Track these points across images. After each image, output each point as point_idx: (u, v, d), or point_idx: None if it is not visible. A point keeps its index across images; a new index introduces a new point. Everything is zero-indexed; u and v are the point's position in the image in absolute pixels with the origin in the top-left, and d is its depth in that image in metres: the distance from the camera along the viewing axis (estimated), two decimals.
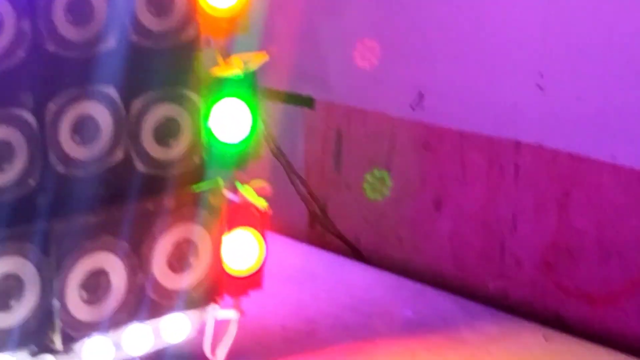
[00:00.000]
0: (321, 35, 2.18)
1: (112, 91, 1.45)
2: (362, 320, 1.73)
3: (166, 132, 1.52)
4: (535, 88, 1.82)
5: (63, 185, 1.44)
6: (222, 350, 1.60)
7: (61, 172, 1.43)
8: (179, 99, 1.53)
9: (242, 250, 1.60)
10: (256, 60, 1.56)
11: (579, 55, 1.78)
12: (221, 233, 1.57)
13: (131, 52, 1.47)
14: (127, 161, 1.49)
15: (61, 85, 1.42)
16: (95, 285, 1.46)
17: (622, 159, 1.73)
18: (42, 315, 1.43)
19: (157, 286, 1.53)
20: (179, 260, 1.54)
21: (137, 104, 1.49)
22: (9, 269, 1.39)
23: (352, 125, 2.15)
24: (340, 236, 2.19)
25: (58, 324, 1.44)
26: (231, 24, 1.55)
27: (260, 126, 1.60)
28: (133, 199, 1.50)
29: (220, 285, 1.60)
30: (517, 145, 1.87)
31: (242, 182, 1.59)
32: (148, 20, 1.48)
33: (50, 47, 1.41)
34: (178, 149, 1.54)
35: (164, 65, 1.52)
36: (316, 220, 2.24)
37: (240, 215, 1.59)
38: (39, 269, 1.41)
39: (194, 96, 1.54)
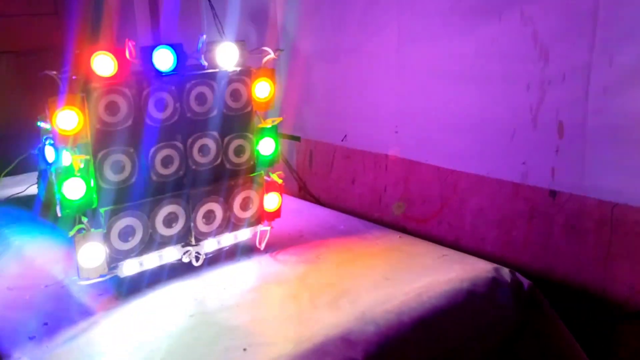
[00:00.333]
0: (304, 110, 2.14)
1: (216, 134, 1.49)
2: (321, 231, 1.73)
3: (239, 151, 1.54)
4: (394, 132, 1.83)
5: (194, 175, 1.48)
6: (263, 243, 1.59)
7: (194, 168, 1.48)
8: (245, 137, 1.55)
9: (271, 201, 1.61)
10: (277, 120, 1.58)
11: (418, 114, 1.74)
12: (263, 194, 1.59)
13: (224, 117, 1.50)
14: (221, 163, 1.52)
15: (194, 131, 1.46)
16: (209, 216, 1.50)
17: (431, 161, 1.74)
18: (186, 229, 1.47)
19: (235, 217, 1.55)
20: (244, 206, 1.56)
21: (226, 139, 1.52)
22: (172, 210, 1.43)
23: (316, 148, 2.15)
24: (312, 195, 2.20)
25: (193, 233, 1.48)
26: (266, 105, 1.56)
27: (279, 149, 1.60)
28: (224, 180, 1.52)
29: (262, 216, 1.60)
30: (387, 156, 1.88)
31: (272, 172, 1.61)
32: (231, 103, 1.51)
33: (188, 114, 1.45)
34: (244, 158, 1.56)
35: (238, 123, 1.53)
36: (301, 189, 2.24)
37: (271, 186, 1.60)
38: (184, 209, 1.46)
39: (250, 136, 1.56)
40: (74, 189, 1.28)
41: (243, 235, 1.59)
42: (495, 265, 1.45)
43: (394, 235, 1.70)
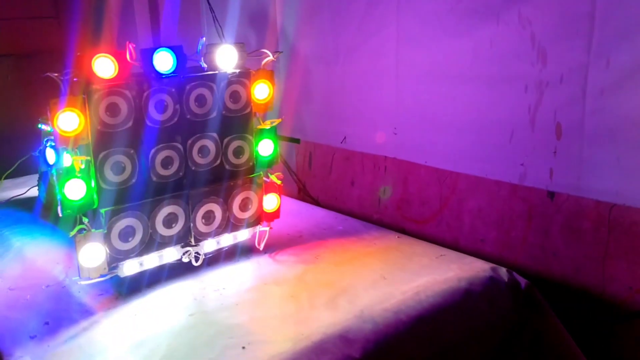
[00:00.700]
0: (303, 112, 2.16)
1: (215, 135, 1.51)
2: (320, 231, 1.75)
3: (238, 152, 1.56)
4: (393, 133, 1.84)
5: (194, 175, 1.49)
6: (262, 243, 1.61)
7: (193, 169, 1.49)
8: (244, 138, 1.56)
9: (270, 202, 1.62)
10: (276, 121, 1.59)
11: (416, 116, 1.75)
12: (262, 195, 1.60)
13: (223, 118, 1.52)
14: (221, 164, 1.54)
15: (193, 132, 1.48)
16: (208, 217, 1.51)
17: (430, 163, 1.75)
18: (185, 230, 1.48)
19: (235, 217, 1.57)
20: (244, 206, 1.58)
21: (225, 140, 1.53)
22: (172, 210, 1.45)
23: (315, 150, 2.17)
24: (311, 197, 2.22)
25: (192, 233, 1.50)
26: (265, 106, 1.58)
27: (278, 151, 1.61)
28: (224, 181, 1.54)
29: (261, 217, 1.62)
30: (385, 158, 1.89)
31: (271, 173, 1.63)
32: (230, 104, 1.52)
33: (188, 116, 1.46)
34: (243, 159, 1.57)
35: (237, 124, 1.55)
36: (300, 190, 2.26)
37: (270, 187, 1.61)
38: (184, 210, 1.47)
39: (250, 137, 1.57)
40: (74, 190, 1.29)
41: (242, 235, 1.61)
42: (492, 264, 1.48)
43: (392, 236, 1.72)
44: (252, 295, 1.38)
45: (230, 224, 1.57)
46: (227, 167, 1.56)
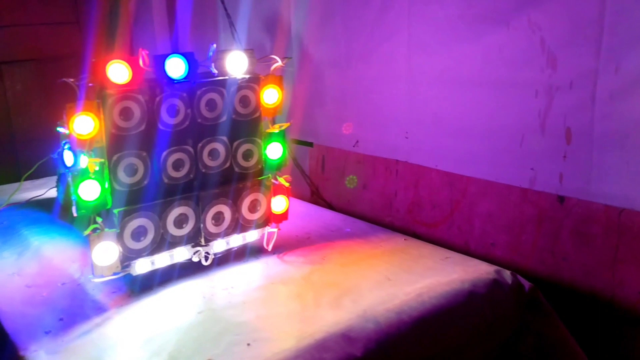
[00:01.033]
0: (316, 116, 2.18)
1: (225, 139, 1.54)
2: (328, 233, 1.78)
3: (247, 155, 1.59)
4: (404, 137, 1.86)
5: (204, 177, 1.53)
6: (270, 244, 1.64)
7: (203, 172, 1.53)
8: (253, 142, 1.60)
9: (279, 204, 1.65)
10: (285, 125, 1.61)
11: (427, 120, 1.76)
12: (270, 197, 1.64)
13: (233, 122, 1.55)
14: (230, 167, 1.57)
15: (204, 136, 1.51)
16: (218, 218, 1.55)
17: (441, 167, 1.77)
18: (196, 230, 1.52)
19: (244, 219, 1.60)
20: (253, 208, 1.61)
21: (235, 144, 1.57)
22: (182, 211, 1.49)
23: (328, 153, 2.18)
24: (324, 200, 2.23)
25: (202, 233, 1.53)
26: (274, 111, 1.61)
27: (287, 154, 1.63)
28: (233, 183, 1.57)
29: (270, 218, 1.65)
30: (397, 162, 1.91)
31: (279, 176, 1.65)
32: (240, 109, 1.56)
33: (199, 120, 1.50)
34: (252, 162, 1.60)
35: (246, 128, 1.58)
36: (314, 194, 2.27)
37: (279, 189, 1.64)
38: (194, 211, 1.51)
39: (259, 141, 1.61)
40: (89, 191, 1.34)
41: (251, 236, 1.64)
42: (497, 267, 1.49)
43: (399, 238, 1.74)
44: (259, 294, 1.42)
45: (239, 225, 1.60)
46: (236, 169, 1.59)
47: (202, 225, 1.53)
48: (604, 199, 1.40)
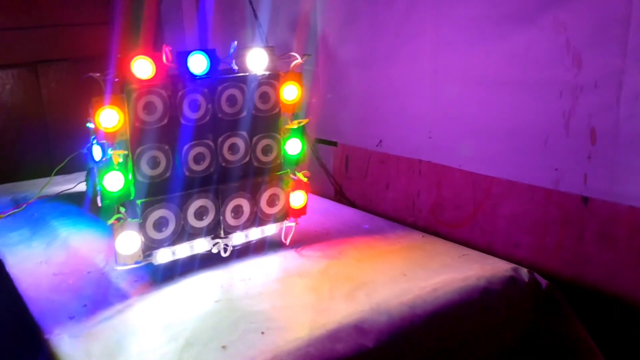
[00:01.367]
0: (340, 116, 2.19)
1: (245, 134, 1.57)
2: (347, 229, 1.80)
3: (266, 150, 1.61)
4: (428, 137, 1.86)
5: (224, 171, 1.55)
6: (288, 238, 1.67)
7: (224, 166, 1.55)
8: (272, 137, 1.62)
9: (297, 198, 1.67)
10: (304, 121, 1.63)
11: (451, 120, 1.76)
12: (289, 192, 1.66)
13: (253, 118, 1.58)
14: (249, 161, 1.59)
15: (223, 130, 1.54)
16: (237, 211, 1.57)
17: (465, 167, 1.76)
18: (215, 222, 1.55)
19: (262, 212, 1.62)
20: (271, 202, 1.63)
21: (255, 139, 1.59)
22: (202, 203, 1.51)
23: (352, 153, 2.20)
24: (347, 199, 2.24)
25: (222, 225, 1.56)
26: (293, 107, 1.63)
27: (306, 149, 1.65)
28: (252, 177, 1.60)
29: (288, 212, 1.67)
30: (420, 161, 1.91)
31: (298, 171, 1.66)
32: (259, 105, 1.59)
33: (220, 115, 1.52)
34: (271, 157, 1.63)
35: (266, 123, 1.61)
36: (337, 193, 2.28)
37: (297, 184, 1.66)
38: (214, 203, 1.53)
39: (278, 136, 1.63)
40: (113, 182, 1.39)
41: (270, 230, 1.65)
42: (514, 265, 1.49)
43: (417, 235, 1.74)
44: (276, 286, 1.44)
45: (258, 219, 1.61)
46: (255, 164, 1.60)
47: (221, 218, 1.55)
48: (629, 200, 1.38)
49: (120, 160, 1.41)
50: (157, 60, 1.42)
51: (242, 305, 1.35)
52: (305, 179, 1.65)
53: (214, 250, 1.55)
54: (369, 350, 1.21)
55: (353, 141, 2.18)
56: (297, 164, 1.66)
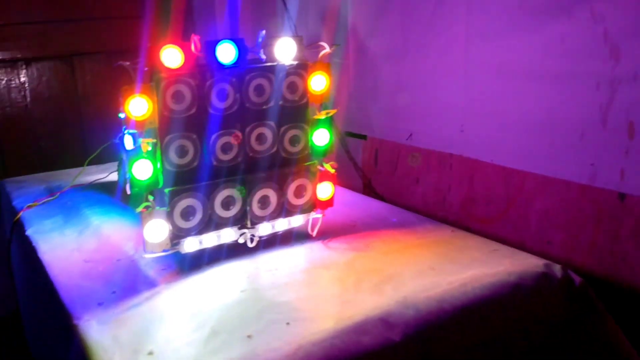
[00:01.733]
0: (370, 109, 2.18)
1: (272, 124, 1.56)
2: (375, 222, 1.78)
3: (294, 141, 1.61)
4: (459, 130, 1.84)
5: (251, 162, 1.55)
6: (315, 230, 1.66)
7: (251, 155, 1.55)
8: (300, 127, 1.61)
9: (324, 190, 1.66)
10: (332, 112, 1.61)
11: (484, 113, 1.74)
12: (316, 183, 1.65)
13: (280, 108, 1.57)
14: (277, 152, 1.59)
15: (251, 120, 1.53)
16: (264, 201, 1.57)
17: (497, 161, 1.73)
18: (242, 213, 1.54)
19: (289, 203, 1.62)
20: (298, 193, 1.63)
21: (282, 129, 1.59)
22: (229, 193, 1.51)
23: (382, 146, 2.18)
24: (376, 193, 2.23)
25: (248, 216, 1.56)
26: (321, 97, 1.62)
27: (333, 140, 1.63)
28: (279, 168, 1.59)
29: (315, 204, 1.66)
30: (451, 155, 1.89)
31: (325, 162, 1.65)
32: (287, 95, 1.57)
33: (247, 105, 1.52)
34: (299, 148, 1.62)
35: (294, 114, 1.60)
36: (366, 186, 2.28)
37: (324, 176, 1.65)
38: (240, 193, 1.53)
39: (305, 127, 1.62)
40: (142, 170, 1.40)
41: (296, 221, 1.64)
42: (546, 261, 1.45)
43: (446, 229, 1.70)
44: (302, 277, 1.44)
45: (284, 210, 1.60)
46: (283, 154, 1.59)
47: (248, 208, 1.54)
48: None
49: (149, 148, 1.42)
50: (185, 50, 1.42)
51: (267, 296, 1.34)
52: (332, 170, 1.63)
53: (241, 241, 1.55)
54: (395, 344, 1.19)
55: (383, 134, 2.16)
56: (324, 155, 1.64)
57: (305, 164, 1.63)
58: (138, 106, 1.39)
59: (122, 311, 1.30)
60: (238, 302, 1.33)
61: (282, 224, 1.62)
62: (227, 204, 1.51)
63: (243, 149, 1.52)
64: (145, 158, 1.41)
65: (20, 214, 1.93)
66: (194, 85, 1.42)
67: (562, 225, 1.56)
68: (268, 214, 1.58)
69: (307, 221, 1.66)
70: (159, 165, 1.45)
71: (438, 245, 1.61)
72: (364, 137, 2.25)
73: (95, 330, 1.23)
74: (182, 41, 1.43)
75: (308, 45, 1.55)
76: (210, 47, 1.42)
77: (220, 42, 1.42)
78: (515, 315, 1.37)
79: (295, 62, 1.55)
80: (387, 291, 1.34)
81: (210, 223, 1.49)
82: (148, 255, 1.45)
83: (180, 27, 2.88)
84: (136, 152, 1.40)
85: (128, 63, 1.37)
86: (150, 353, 1.15)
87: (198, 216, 1.47)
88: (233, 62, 1.45)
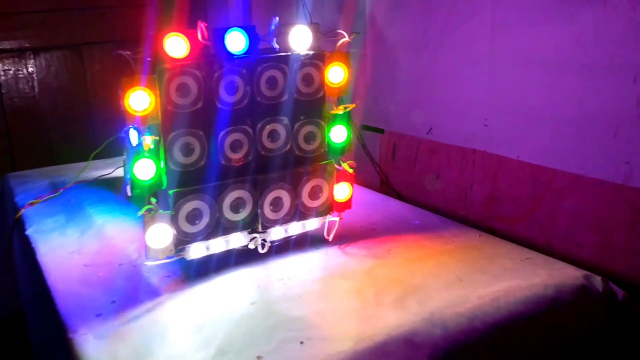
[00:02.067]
0: (388, 101, 2.10)
1: (286, 119, 1.49)
2: (395, 225, 1.69)
3: (309, 138, 1.53)
4: (483, 124, 1.75)
5: (263, 160, 1.48)
6: (331, 234, 1.59)
7: (263, 154, 1.48)
8: (315, 123, 1.53)
9: (342, 191, 1.57)
10: (350, 106, 1.53)
11: (509, 106, 1.66)
12: (333, 184, 1.57)
13: (294, 102, 1.49)
14: (290, 150, 1.51)
15: (263, 116, 1.46)
16: (276, 203, 1.49)
17: (523, 157, 1.65)
18: (253, 216, 1.47)
19: (304, 206, 1.54)
20: (314, 195, 1.55)
21: (296, 125, 1.51)
22: (239, 195, 1.43)
23: (400, 141, 2.10)
24: (394, 190, 2.15)
25: (260, 219, 1.48)
26: (339, 91, 1.53)
27: (351, 137, 1.56)
28: (293, 167, 1.51)
29: (332, 206, 1.58)
30: (474, 151, 1.80)
31: (343, 161, 1.57)
32: (302, 88, 1.49)
33: (258, 99, 1.44)
34: (314, 145, 1.54)
35: (309, 108, 1.51)
36: (383, 183, 2.20)
37: (342, 176, 1.57)
38: (252, 195, 1.46)
39: (322, 123, 1.54)
40: (144, 170, 1.30)
41: (311, 224, 1.57)
42: (585, 272, 1.35)
43: (474, 234, 1.62)
44: (317, 287, 1.34)
45: (298, 212, 1.53)
46: (297, 152, 1.52)
47: (259, 211, 1.47)
48: None
49: (151, 146, 1.31)
50: (191, 38, 1.32)
51: (279, 309, 1.24)
52: (350, 170, 1.55)
53: (251, 246, 1.48)
54: None
55: (401, 128, 2.11)
56: (342, 153, 1.56)
57: (321, 163, 1.55)
58: (139, 100, 1.28)
59: (121, 324, 1.21)
60: (247, 316, 1.23)
61: (295, 228, 1.55)
62: (236, 206, 1.43)
63: (254, 146, 1.45)
64: (148, 157, 1.31)
65: (22, 212, 1.88)
66: (200, 77, 1.33)
67: (593, 226, 1.50)
68: (281, 217, 1.50)
69: (323, 225, 1.59)
70: (162, 164, 1.35)
71: (465, 252, 1.52)
72: (381, 130, 2.19)
73: (92, 345, 1.13)
74: (189, 29, 1.34)
75: (325, 33, 1.47)
76: (218, 35, 1.33)
77: (230, 29, 1.33)
78: (552, 333, 1.26)
79: (311, 52, 1.47)
80: (412, 306, 1.23)
81: (218, 227, 1.42)
82: (150, 263, 1.40)
83: (188, 16, 2.78)
84: (138, 150, 1.30)
85: (128, 52, 1.24)
86: None
87: (205, 220, 1.39)
88: (243, 51, 1.36)
